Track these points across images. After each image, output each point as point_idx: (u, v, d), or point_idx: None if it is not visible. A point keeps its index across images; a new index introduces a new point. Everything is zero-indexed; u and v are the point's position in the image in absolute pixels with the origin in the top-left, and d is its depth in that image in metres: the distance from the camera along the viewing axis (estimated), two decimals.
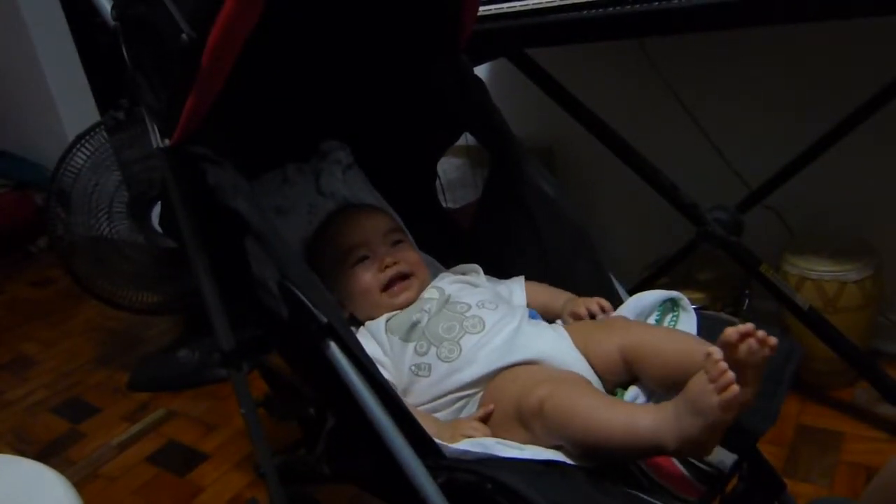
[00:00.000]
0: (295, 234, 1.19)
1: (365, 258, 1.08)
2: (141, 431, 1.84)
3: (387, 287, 1.06)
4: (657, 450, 0.74)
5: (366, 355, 0.84)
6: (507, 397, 0.87)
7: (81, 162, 1.76)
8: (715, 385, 0.68)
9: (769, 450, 1.42)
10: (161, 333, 2.36)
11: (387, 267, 1.06)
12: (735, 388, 0.68)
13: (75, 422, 1.94)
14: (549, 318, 1.07)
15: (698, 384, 0.70)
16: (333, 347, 0.84)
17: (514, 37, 1.40)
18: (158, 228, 1.83)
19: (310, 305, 0.83)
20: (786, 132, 1.53)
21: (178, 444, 1.77)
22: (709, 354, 0.70)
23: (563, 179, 1.89)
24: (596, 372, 0.90)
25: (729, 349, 0.70)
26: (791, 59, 1.56)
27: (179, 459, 1.71)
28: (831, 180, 1.55)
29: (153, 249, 1.88)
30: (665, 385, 0.84)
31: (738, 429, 0.79)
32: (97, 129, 1.80)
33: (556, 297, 1.09)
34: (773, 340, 0.72)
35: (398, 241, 1.10)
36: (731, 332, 0.70)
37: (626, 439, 0.75)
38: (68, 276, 1.99)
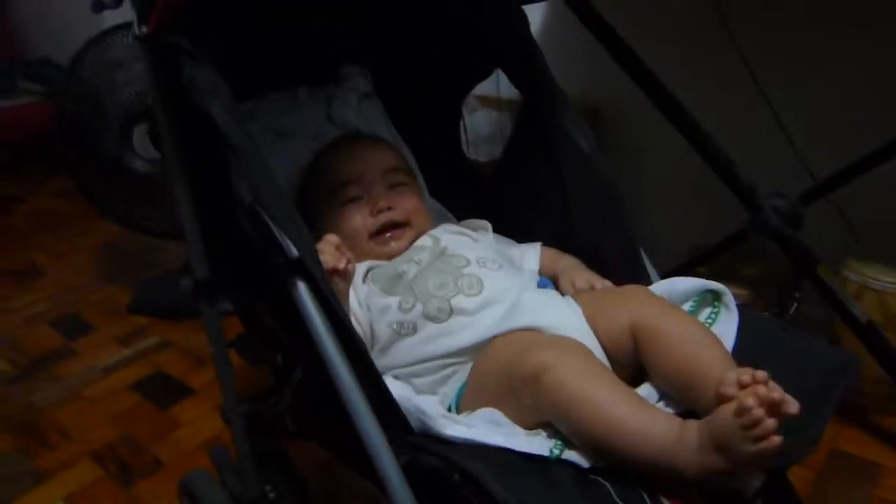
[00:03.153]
0: (295, 161, 1.07)
1: (358, 198, 0.95)
2: (131, 357, 1.77)
3: (376, 234, 0.93)
4: (674, 473, 0.61)
5: (338, 302, 0.72)
6: (498, 361, 0.74)
7: (94, 68, 1.64)
8: (750, 434, 0.57)
9: (795, 471, 1.26)
10: (176, 258, 2.27)
11: (379, 212, 0.94)
12: (776, 439, 0.56)
13: (69, 338, 1.88)
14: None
15: (726, 423, 0.58)
16: (301, 287, 0.72)
17: None
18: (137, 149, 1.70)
19: (278, 235, 0.71)
20: (864, 123, 1.34)
21: (166, 375, 1.69)
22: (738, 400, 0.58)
23: (609, 144, 1.73)
24: (605, 351, 0.77)
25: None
26: (883, 42, 1.37)
27: (163, 391, 1.63)
28: None
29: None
30: (667, 386, 0.71)
31: None
32: (122, 31, 1.68)
33: (561, 260, 0.95)
34: (794, 410, 0.58)
35: (399, 184, 0.97)
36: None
37: (641, 451, 0.62)
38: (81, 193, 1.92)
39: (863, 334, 1.21)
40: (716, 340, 0.71)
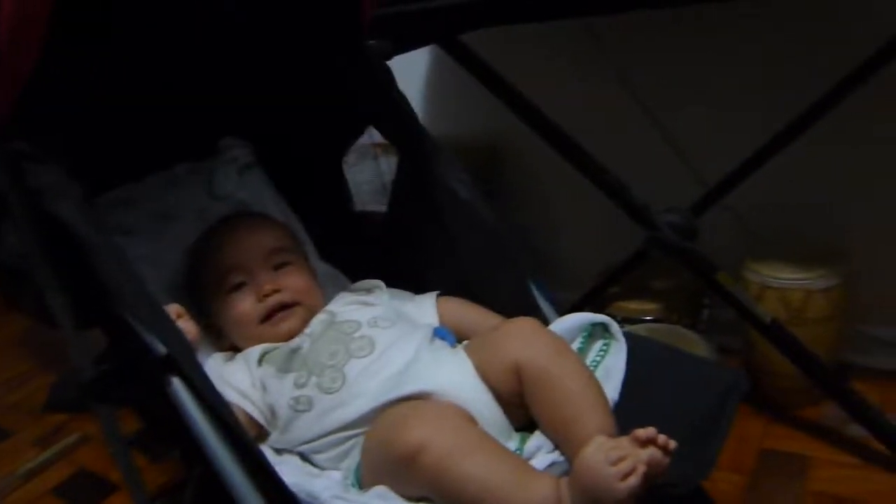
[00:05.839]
0: (183, 243, 1.03)
1: (242, 284, 0.93)
2: (50, 459, 1.68)
3: (266, 318, 0.92)
4: None
5: (216, 393, 0.69)
6: (379, 436, 0.73)
7: None
8: (617, 470, 0.58)
9: (728, 478, 1.28)
10: (99, 347, 2.18)
11: (265, 296, 0.92)
12: (640, 468, 0.59)
13: None
14: None
15: (593, 468, 0.60)
16: (175, 384, 0.69)
17: (443, 19, 1.25)
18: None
19: (142, 334, 0.68)
20: (748, 125, 1.38)
21: (89, 473, 1.61)
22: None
23: (510, 179, 1.74)
24: (498, 396, 0.77)
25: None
26: (754, 42, 1.42)
27: (87, 491, 1.54)
28: (797, 179, 1.41)
29: None
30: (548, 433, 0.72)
31: (662, 482, 0.65)
32: None
33: (485, 321, 0.93)
34: (672, 445, 0.62)
35: (284, 264, 0.96)
36: (640, 433, 0.62)
37: None
38: None
39: (768, 334, 1.24)
40: (597, 398, 0.72)
